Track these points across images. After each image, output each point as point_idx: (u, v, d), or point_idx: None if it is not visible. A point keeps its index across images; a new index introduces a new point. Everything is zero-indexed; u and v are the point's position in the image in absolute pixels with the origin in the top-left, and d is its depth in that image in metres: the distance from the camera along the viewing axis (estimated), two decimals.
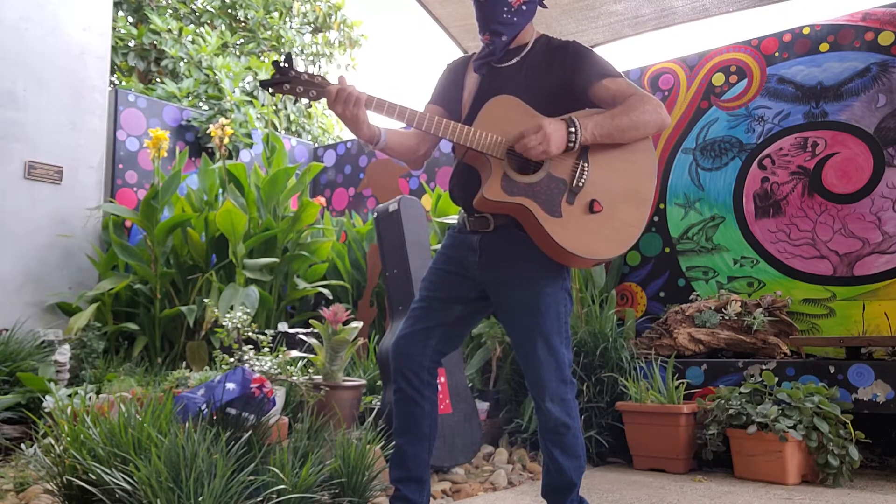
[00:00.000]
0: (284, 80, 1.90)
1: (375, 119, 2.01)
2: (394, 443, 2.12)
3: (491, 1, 2.03)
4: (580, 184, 1.93)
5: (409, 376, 2.07)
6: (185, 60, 7.02)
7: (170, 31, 7.17)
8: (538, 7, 2.12)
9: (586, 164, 1.95)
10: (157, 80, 7.14)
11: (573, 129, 1.89)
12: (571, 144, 1.90)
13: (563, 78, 2.02)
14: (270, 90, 1.93)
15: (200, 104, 6.23)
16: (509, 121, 1.95)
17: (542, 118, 1.93)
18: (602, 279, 4.27)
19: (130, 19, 7.70)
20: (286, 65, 1.91)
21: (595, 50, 2.15)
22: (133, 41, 7.25)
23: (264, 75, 7.40)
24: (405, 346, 2.08)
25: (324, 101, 1.95)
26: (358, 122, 1.94)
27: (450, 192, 2.17)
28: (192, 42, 7.29)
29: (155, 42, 7.22)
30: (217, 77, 6.48)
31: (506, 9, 2.03)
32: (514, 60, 2.09)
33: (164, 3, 7.79)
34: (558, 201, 1.93)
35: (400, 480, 2.08)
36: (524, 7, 2.05)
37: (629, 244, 1.98)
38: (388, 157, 2.21)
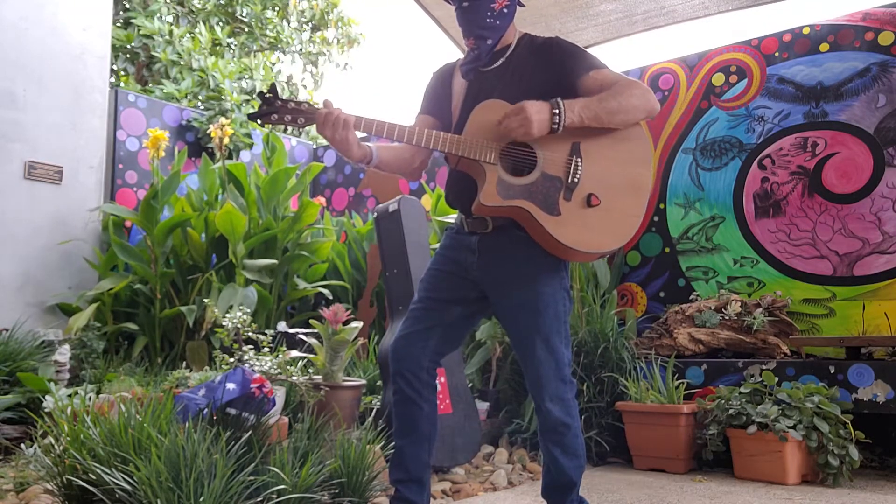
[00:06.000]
0: (272, 111, 1.92)
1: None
2: (393, 444, 2.12)
3: (474, 6, 2.03)
4: (575, 179, 1.94)
5: (409, 377, 2.07)
6: (178, 63, 7.00)
7: (160, 32, 7.15)
8: (517, 6, 2.12)
9: (579, 160, 1.95)
10: (154, 81, 7.13)
11: (557, 111, 1.88)
12: (555, 126, 1.89)
13: (550, 75, 2.02)
14: (259, 122, 1.93)
15: (200, 105, 6.23)
16: (497, 124, 1.96)
17: (526, 101, 1.92)
18: (606, 279, 4.27)
19: (119, 22, 7.69)
20: (270, 95, 1.92)
21: (594, 49, 2.16)
22: (129, 44, 7.22)
23: (259, 75, 7.39)
24: (404, 347, 2.08)
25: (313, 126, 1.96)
26: (348, 145, 1.94)
27: (446, 198, 2.18)
28: (190, 39, 7.26)
29: (147, 44, 7.20)
30: (210, 77, 6.48)
31: (489, 13, 2.03)
32: (499, 62, 2.09)
33: (159, 2, 7.76)
34: (556, 199, 1.93)
35: (400, 481, 2.09)
36: (505, 10, 2.06)
37: (630, 234, 1.98)
38: (390, 174, 2.21)
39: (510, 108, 1.92)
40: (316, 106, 1.94)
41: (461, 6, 2.06)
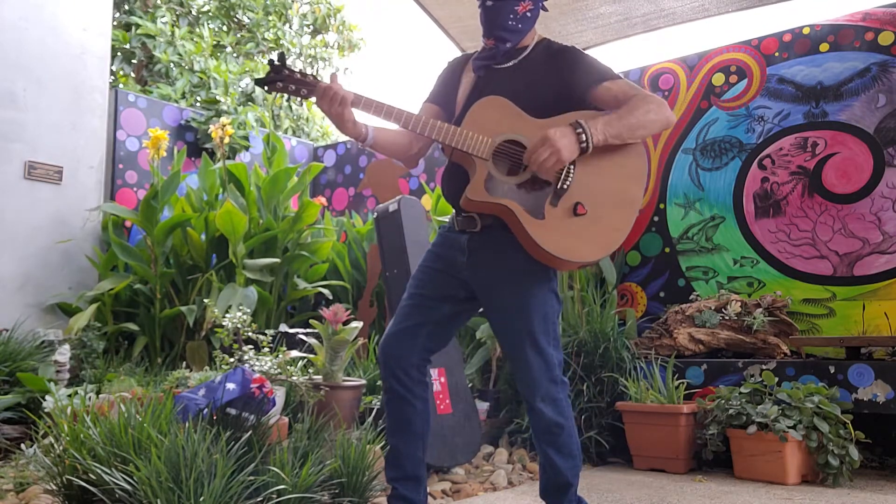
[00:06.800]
0: (278, 79, 1.96)
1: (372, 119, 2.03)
2: (389, 443, 2.12)
3: (497, 7, 2.03)
4: (565, 186, 1.92)
5: (400, 375, 2.07)
6: (178, 64, 6.98)
7: (162, 32, 7.14)
8: (541, 11, 2.12)
9: (572, 167, 1.93)
10: (153, 82, 7.13)
11: (581, 131, 1.87)
12: (584, 146, 1.88)
13: (561, 82, 2.02)
14: (265, 87, 1.97)
15: (198, 105, 6.23)
16: (496, 121, 1.96)
17: (532, 122, 1.92)
18: (613, 276, 4.25)
19: (117, 22, 7.67)
20: (279, 63, 1.96)
21: (594, 50, 2.17)
22: (125, 44, 7.22)
23: (260, 76, 7.40)
24: (393, 344, 2.08)
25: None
26: (342, 120, 1.97)
27: (441, 190, 2.19)
28: (190, 40, 7.25)
29: (148, 44, 7.19)
30: (211, 79, 6.47)
31: (512, 16, 2.03)
32: (511, 62, 2.09)
33: (159, 2, 7.76)
34: (542, 203, 1.92)
35: (396, 480, 2.09)
36: (529, 14, 2.06)
37: (613, 248, 1.97)
38: (386, 156, 2.22)
39: (533, 141, 1.89)
40: (319, 79, 1.97)
41: (485, 4, 2.05)
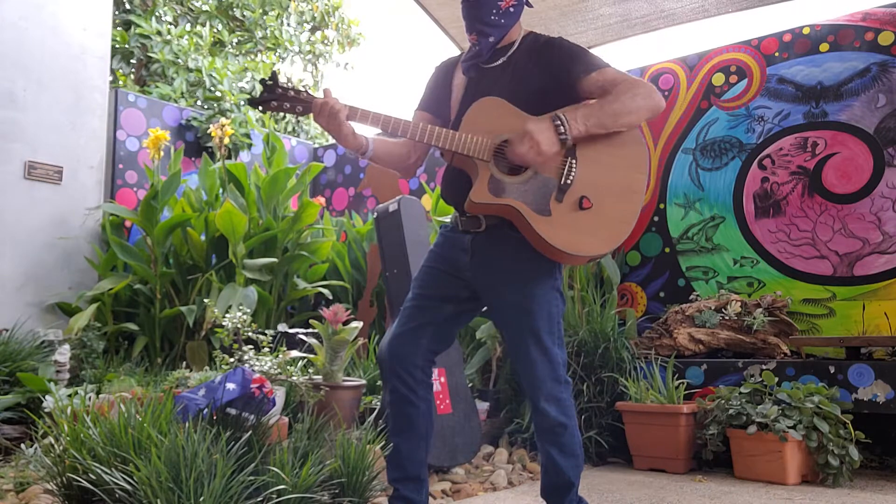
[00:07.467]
0: (272, 98, 1.95)
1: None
2: (391, 443, 2.13)
3: (479, 2, 2.03)
4: (568, 181, 1.92)
5: (403, 376, 2.07)
6: (174, 63, 6.97)
7: (159, 33, 7.13)
8: (525, 7, 2.11)
9: (574, 161, 1.93)
10: (151, 81, 7.12)
11: (559, 123, 1.87)
12: (563, 137, 1.87)
13: (551, 75, 2.01)
14: (260, 108, 1.97)
15: (199, 103, 6.23)
16: (494, 122, 1.96)
17: (527, 119, 1.92)
18: (616, 275, 4.25)
19: (118, 22, 7.66)
20: (272, 82, 1.95)
21: (594, 51, 2.16)
22: (125, 44, 7.21)
23: (259, 76, 7.40)
24: (397, 346, 2.09)
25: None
26: (341, 135, 1.97)
27: (441, 194, 2.18)
28: (187, 39, 7.24)
29: (146, 44, 7.19)
30: (207, 78, 6.46)
31: (494, 10, 2.03)
32: (500, 60, 2.08)
33: (159, 1, 7.75)
34: (547, 200, 1.92)
35: (398, 480, 2.09)
36: (512, 9, 2.05)
37: (620, 240, 1.97)
38: (385, 167, 2.22)
39: (514, 136, 1.90)
40: (314, 95, 1.97)
41: (466, 0, 2.06)
